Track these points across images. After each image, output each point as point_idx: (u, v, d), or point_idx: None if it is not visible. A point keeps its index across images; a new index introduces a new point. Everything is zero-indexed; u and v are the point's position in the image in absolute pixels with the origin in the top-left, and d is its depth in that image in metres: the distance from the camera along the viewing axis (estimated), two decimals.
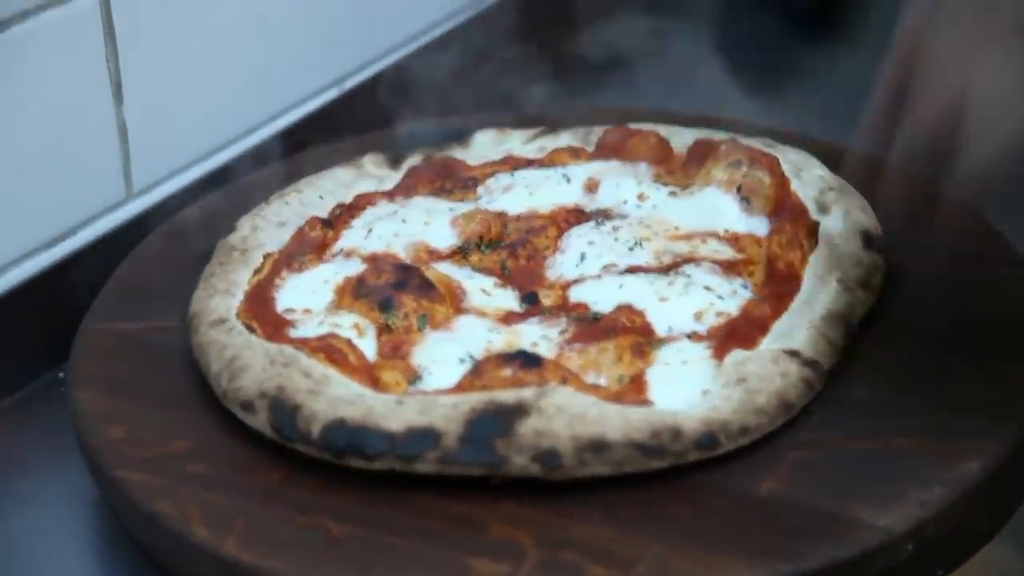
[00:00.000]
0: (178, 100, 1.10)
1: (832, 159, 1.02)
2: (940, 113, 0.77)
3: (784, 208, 0.99)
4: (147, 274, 1.01)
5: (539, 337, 0.89)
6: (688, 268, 0.93)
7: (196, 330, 0.91)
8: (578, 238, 0.98)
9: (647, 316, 0.89)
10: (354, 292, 0.92)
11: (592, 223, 0.99)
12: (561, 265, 0.96)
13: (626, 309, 0.90)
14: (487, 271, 0.96)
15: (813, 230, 0.95)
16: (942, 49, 0.78)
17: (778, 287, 0.92)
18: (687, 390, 0.83)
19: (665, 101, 1.20)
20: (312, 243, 0.99)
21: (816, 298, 0.90)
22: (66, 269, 1.03)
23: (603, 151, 1.07)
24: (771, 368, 0.84)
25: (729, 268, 0.93)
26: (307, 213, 1.02)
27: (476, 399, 0.81)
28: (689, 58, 1.36)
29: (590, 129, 1.10)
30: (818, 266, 0.93)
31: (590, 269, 0.95)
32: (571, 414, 0.80)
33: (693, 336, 0.88)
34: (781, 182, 1.00)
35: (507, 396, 0.81)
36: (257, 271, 0.97)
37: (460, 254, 0.98)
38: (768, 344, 0.87)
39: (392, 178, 1.08)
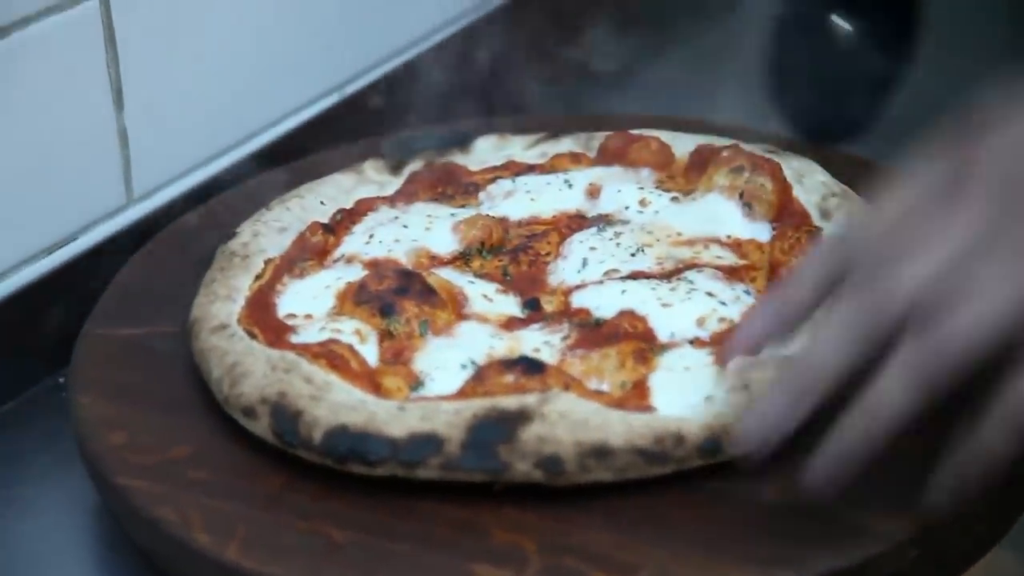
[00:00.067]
0: (179, 106, 1.10)
1: (834, 165, 1.02)
2: None
3: (786, 214, 0.99)
4: (148, 279, 1.01)
5: (541, 343, 0.88)
6: (690, 274, 0.93)
7: (197, 336, 0.91)
8: (580, 244, 0.98)
9: (649, 322, 0.89)
10: (355, 298, 0.92)
11: (594, 229, 0.99)
12: (563, 271, 0.96)
13: (628, 315, 0.89)
14: (489, 277, 0.96)
15: (816, 236, 0.95)
16: None
17: None
18: (690, 396, 0.83)
19: (667, 106, 1.20)
20: (313, 248, 0.99)
21: None
22: (67, 274, 1.03)
23: (605, 157, 1.07)
24: (774, 374, 0.83)
25: (731, 274, 0.93)
26: (308, 218, 1.02)
27: (478, 405, 0.81)
28: (689, 64, 1.37)
29: (591, 135, 1.10)
30: None
31: (592, 275, 0.95)
32: (574, 420, 0.80)
33: (696, 342, 0.88)
34: (783, 188, 1.00)
35: (509, 402, 0.81)
36: (258, 277, 0.97)
37: (462, 260, 0.98)
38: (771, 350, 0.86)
39: (393, 184, 1.08)
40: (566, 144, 1.10)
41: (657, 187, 1.04)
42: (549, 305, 0.93)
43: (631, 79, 1.33)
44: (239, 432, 0.85)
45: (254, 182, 1.10)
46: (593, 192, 1.03)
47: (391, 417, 0.81)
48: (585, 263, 0.96)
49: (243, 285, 0.95)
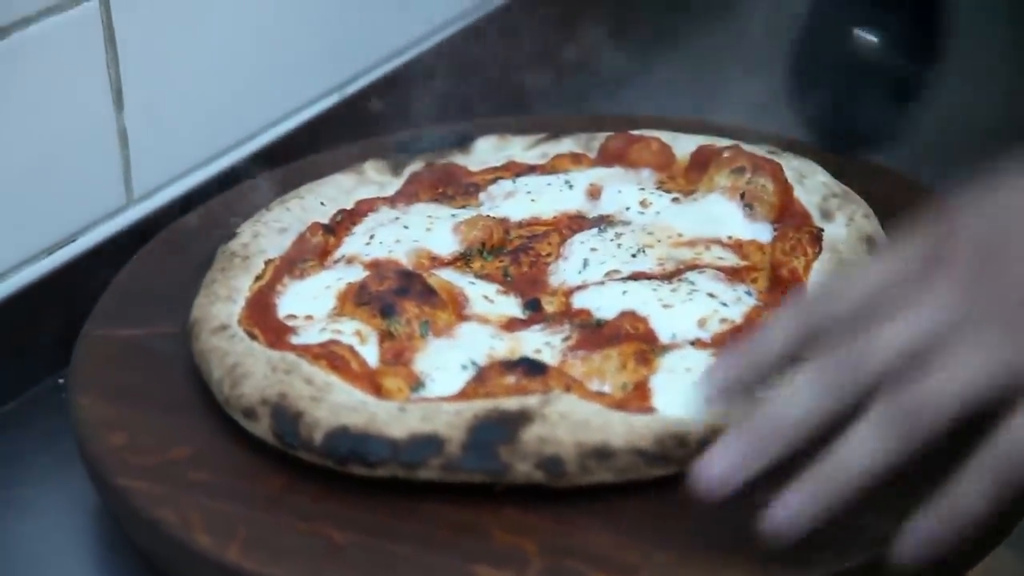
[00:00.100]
0: (179, 106, 1.10)
1: (835, 166, 1.02)
2: None
3: (787, 215, 0.98)
4: (148, 280, 1.01)
5: (542, 344, 0.88)
6: (691, 275, 0.93)
7: (197, 337, 0.91)
8: (581, 245, 0.97)
9: (650, 323, 0.89)
10: (356, 299, 0.92)
11: (595, 229, 0.99)
12: (564, 272, 0.96)
13: (629, 316, 0.89)
14: (489, 278, 0.96)
15: (817, 237, 0.95)
16: None
17: (782, 294, 0.91)
18: (691, 397, 0.82)
19: (667, 107, 1.20)
20: (314, 249, 0.99)
21: None
22: (67, 275, 1.03)
23: (605, 157, 1.07)
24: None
25: (733, 275, 0.93)
26: (308, 219, 1.02)
27: (479, 406, 0.81)
28: (690, 64, 1.37)
29: (592, 135, 1.10)
30: (822, 273, 0.92)
31: (593, 276, 0.95)
32: (575, 421, 0.80)
33: (697, 343, 0.88)
34: (784, 188, 1.00)
35: (510, 403, 0.81)
36: (258, 277, 0.96)
37: (462, 260, 0.98)
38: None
39: (393, 184, 1.08)
40: (567, 145, 1.10)
41: (658, 188, 1.03)
42: (550, 306, 0.93)
43: (632, 79, 1.33)
44: (239, 433, 0.85)
45: (254, 183, 1.10)
46: (594, 193, 1.03)
47: (392, 418, 0.81)
48: (586, 264, 0.96)
49: (243, 286, 0.95)
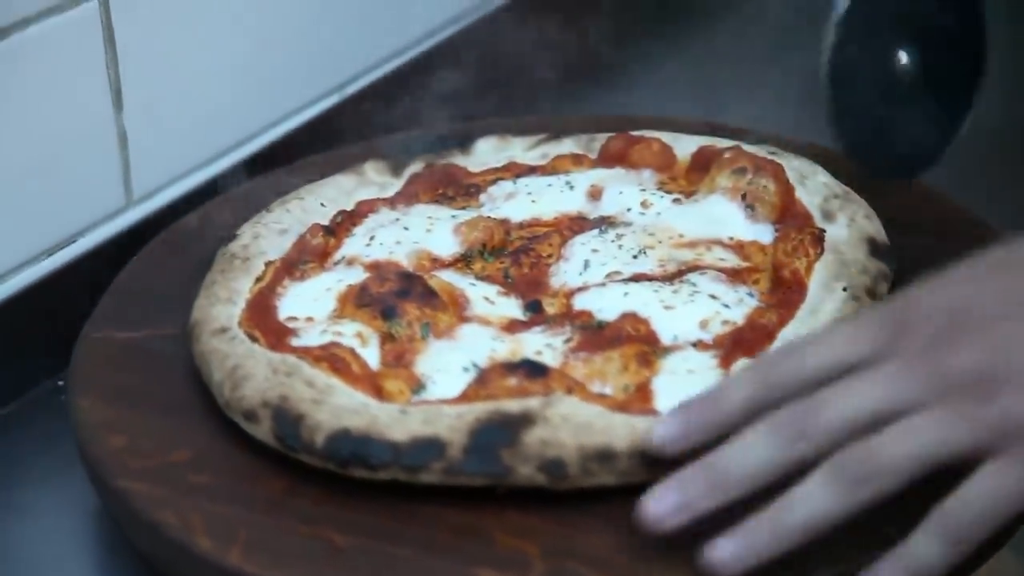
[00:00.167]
0: (178, 107, 1.10)
1: (836, 166, 1.02)
2: None
3: (789, 215, 0.98)
4: (148, 282, 1.01)
5: (543, 346, 0.88)
6: (693, 276, 0.92)
7: (198, 339, 0.90)
8: (582, 246, 0.97)
9: (652, 324, 0.89)
10: (356, 300, 0.92)
11: (596, 231, 0.99)
12: (565, 273, 0.96)
13: (631, 317, 0.89)
14: (490, 279, 0.96)
15: (819, 238, 0.95)
16: None
17: (784, 295, 0.91)
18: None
19: (668, 107, 1.20)
20: (314, 250, 0.99)
21: (822, 306, 0.89)
22: (66, 276, 1.03)
23: (606, 158, 1.07)
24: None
25: (734, 276, 0.93)
26: (309, 220, 1.02)
27: (481, 409, 0.81)
28: (691, 64, 1.37)
29: (593, 136, 1.10)
30: (824, 274, 0.92)
31: (594, 277, 0.94)
32: (577, 424, 0.79)
33: (699, 345, 0.87)
34: (786, 189, 0.99)
35: (512, 406, 0.80)
36: (259, 279, 0.96)
37: (463, 262, 0.98)
38: None
39: (394, 185, 1.07)
40: (567, 145, 1.10)
41: (659, 189, 1.03)
42: (551, 307, 0.93)
43: (632, 79, 1.33)
44: (240, 436, 0.85)
45: (254, 184, 1.10)
46: (595, 194, 1.03)
47: (393, 421, 0.81)
48: (587, 265, 0.95)
49: (244, 287, 0.95)
